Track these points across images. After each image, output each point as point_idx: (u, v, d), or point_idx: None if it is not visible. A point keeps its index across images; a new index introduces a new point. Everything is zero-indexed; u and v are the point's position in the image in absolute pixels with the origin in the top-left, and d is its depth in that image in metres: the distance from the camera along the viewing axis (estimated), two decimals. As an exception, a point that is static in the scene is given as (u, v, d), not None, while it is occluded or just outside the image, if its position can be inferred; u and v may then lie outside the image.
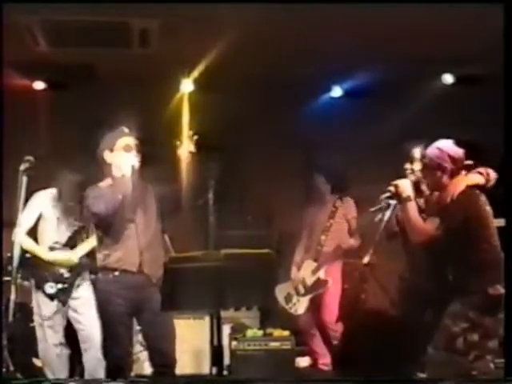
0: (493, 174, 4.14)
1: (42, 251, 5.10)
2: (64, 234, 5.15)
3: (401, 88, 6.87)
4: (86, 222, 5.09)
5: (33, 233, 5.16)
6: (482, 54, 5.95)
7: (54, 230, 5.14)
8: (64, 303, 5.06)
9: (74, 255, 5.11)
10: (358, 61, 6.33)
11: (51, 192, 5.18)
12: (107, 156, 4.48)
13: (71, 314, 5.11)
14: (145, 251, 4.43)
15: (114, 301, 4.41)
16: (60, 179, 5.16)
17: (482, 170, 4.13)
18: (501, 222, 4.26)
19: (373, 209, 4.56)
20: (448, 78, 7.22)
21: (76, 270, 5.12)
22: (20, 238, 5.00)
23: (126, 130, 4.49)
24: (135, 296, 4.41)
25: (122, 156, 4.43)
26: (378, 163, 6.55)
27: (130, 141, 4.48)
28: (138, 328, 4.67)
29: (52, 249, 5.11)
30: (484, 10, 5.21)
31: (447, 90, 7.20)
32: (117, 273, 4.43)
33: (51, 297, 5.04)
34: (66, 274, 5.09)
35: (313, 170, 6.43)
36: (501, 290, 3.91)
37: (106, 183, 4.51)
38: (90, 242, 5.05)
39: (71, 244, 5.16)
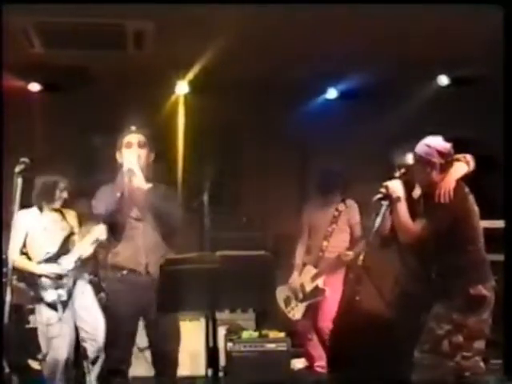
0: (469, 156, 4.15)
1: (33, 266, 5.08)
2: (55, 242, 5.15)
3: (396, 90, 6.87)
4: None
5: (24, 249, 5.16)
6: (479, 56, 5.95)
7: (45, 242, 5.14)
8: (67, 306, 5.06)
9: (65, 266, 5.09)
10: (353, 62, 6.33)
11: (31, 209, 5.19)
12: (118, 156, 4.54)
13: (79, 324, 5.10)
14: (150, 252, 4.47)
15: (122, 300, 4.46)
16: (36, 183, 5.18)
17: (459, 156, 4.14)
18: (500, 222, 4.27)
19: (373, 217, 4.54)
20: (444, 80, 7.21)
21: (72, 274, 5.11)
22: (13, 257, 4.94)
23: (133, 127, 4.53)
24: (142, 297, 4.41)
25: (124, 153, 4.48)
26: (374, 164, 6.53)
27: (133, 138, 4.51)
28: (140, 329, 4.69)
29: (47, 260, 5.09)
30: (480, 10, 5.21)
31: (443, 91, 7.20)
32: (125, 272, 4.48)
33: (54, 303, 5.03)
34: (64, 280, 5.08)
35: (313, 173, 6.40)
36: (482, 290, 3.92)
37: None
38: (80, 248, 5.10)
39: (64, 250, 5.14)
